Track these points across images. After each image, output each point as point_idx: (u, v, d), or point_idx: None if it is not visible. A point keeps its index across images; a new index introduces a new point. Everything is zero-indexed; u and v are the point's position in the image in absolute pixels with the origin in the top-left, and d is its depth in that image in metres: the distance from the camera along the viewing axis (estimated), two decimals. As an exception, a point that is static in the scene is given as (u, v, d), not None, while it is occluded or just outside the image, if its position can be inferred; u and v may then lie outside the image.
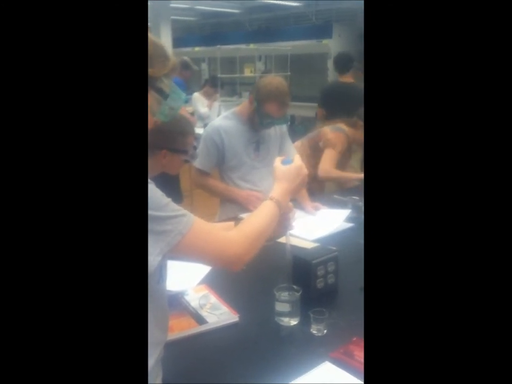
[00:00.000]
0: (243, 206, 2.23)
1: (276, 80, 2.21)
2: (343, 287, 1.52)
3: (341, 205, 2.40)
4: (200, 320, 1.32)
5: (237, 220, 1.31)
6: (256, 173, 2.35)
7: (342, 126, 2.81)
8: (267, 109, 2.16)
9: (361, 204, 2.25)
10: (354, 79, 4.13)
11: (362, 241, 1.86)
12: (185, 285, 1.52)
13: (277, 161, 1.24)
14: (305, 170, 1.23)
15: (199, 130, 3.60)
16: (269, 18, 8.69)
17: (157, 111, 0.94)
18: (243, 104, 2.36)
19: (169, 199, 0.93)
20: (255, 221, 1.11)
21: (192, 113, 5.53)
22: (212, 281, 1.56)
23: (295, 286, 1.33)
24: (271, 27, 8.47)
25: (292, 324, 1.31)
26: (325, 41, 6.75)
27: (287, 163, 1.22)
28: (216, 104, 5.81)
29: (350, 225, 2.17)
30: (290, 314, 1.31)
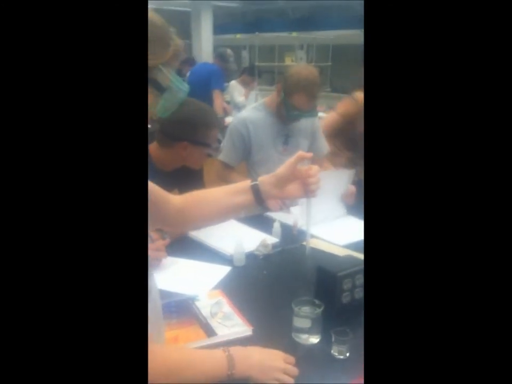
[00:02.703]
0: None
1: (306, 69, 2.04)
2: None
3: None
4: (209, 331, 1.19)
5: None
6: (285, 168, 2.20)
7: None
8: (294, 100, 2.00)
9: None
10: None
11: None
12: (198, 288, 1.41)
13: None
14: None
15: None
16: (313, 7, 8.47)
17: (152, 106, 0.81)
18: (272, 94, 2.20)
19: None
20: (194, 361, 0.94)
21: (228, 102, 5.44)
22: (227, 286, 1.44)
23: (316, 300, 1.19)
24: (314, 16, 8.25)
25: (311, 342, 1.17)
26: (369, 32, 6.52)
27: None
28: (253, 93, 5.69)
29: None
30: (310, 331, 1.17)
